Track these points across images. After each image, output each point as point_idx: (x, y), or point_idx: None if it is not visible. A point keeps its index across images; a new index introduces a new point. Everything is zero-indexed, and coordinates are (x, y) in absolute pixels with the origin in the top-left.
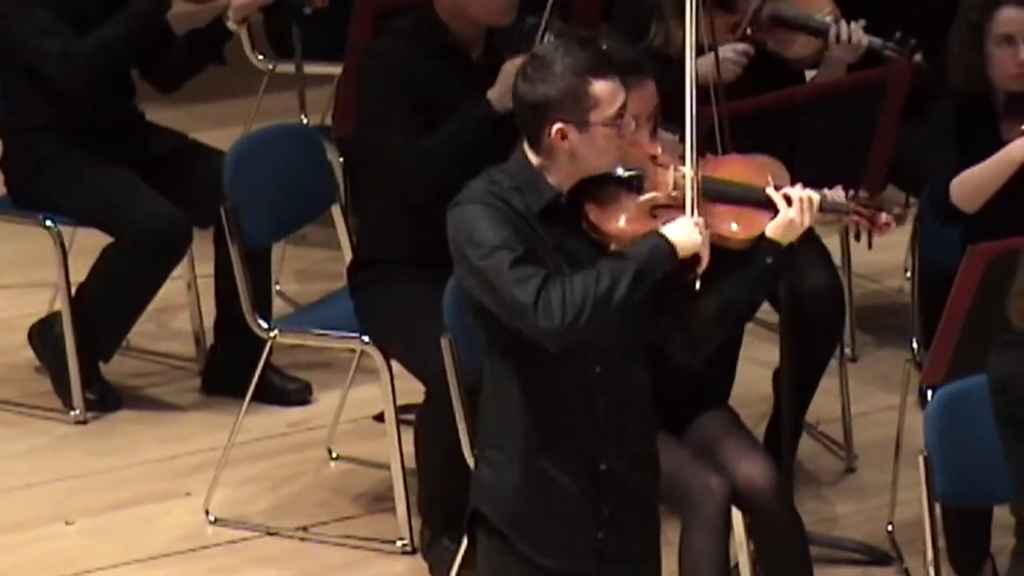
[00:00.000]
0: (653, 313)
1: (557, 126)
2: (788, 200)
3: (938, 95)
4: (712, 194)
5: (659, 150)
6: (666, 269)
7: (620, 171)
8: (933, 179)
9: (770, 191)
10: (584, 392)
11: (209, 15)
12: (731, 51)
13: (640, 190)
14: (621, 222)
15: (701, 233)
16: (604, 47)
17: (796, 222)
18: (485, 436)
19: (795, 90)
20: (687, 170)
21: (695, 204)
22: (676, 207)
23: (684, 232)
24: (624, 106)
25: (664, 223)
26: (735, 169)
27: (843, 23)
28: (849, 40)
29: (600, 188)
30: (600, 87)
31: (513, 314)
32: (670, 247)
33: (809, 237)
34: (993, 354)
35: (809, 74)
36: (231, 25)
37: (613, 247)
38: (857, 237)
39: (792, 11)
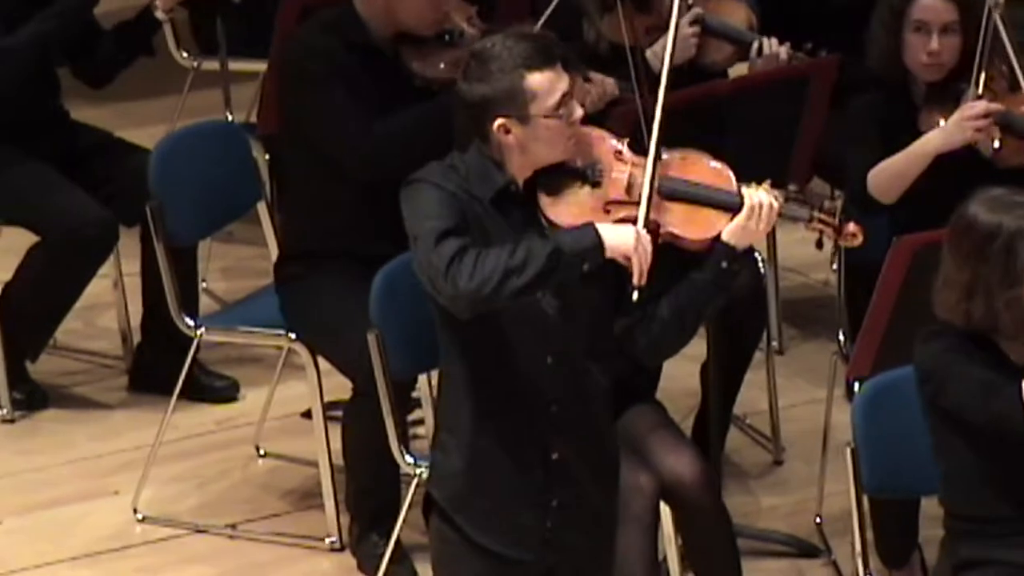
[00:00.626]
0: (616, 314)
1: (499, 122)
2: (752, 205)
3: (857, 88)
4: (672, 194)
5: (621, 146)
6: (590, 262)
7: (578, 163)
8: (855, 173)
9: (724, 197)
10: (535, 380)
11: (136, 8)
12: (687, 28)
13: (597, 184)
14: (572, 214)
15: (637, 243)
16: (545, 39)
17: (752, 227)
18: (439, 419)
19: (721, 83)
20: (648, 169)
21: (649, 203)
22: (631, 204)
23: (617, 234)
24: (567, 94)
25: (617, 220)
26: (698, 169)
27: (764, 38)
28: (769, 52)
29: (556, 179)
30: (535, 80)
31: (428, 280)
32: (598, 242)
33: None
34: (918, 345)
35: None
36: (159, 15)
37: None
38: (819, 245)
39: (716, 19)
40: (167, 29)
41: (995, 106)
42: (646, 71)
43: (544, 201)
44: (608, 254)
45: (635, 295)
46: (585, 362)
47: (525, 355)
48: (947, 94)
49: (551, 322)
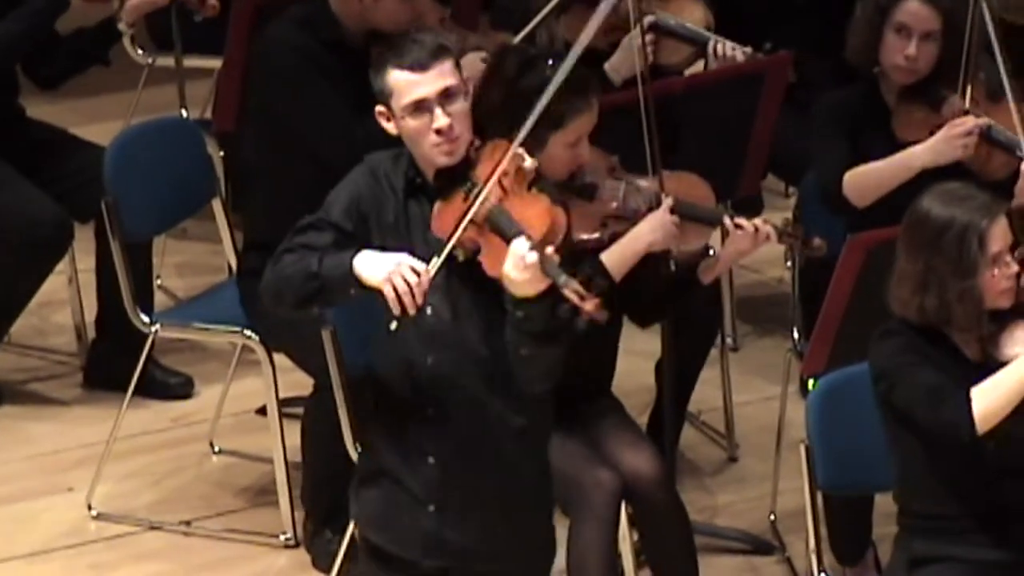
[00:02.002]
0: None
1: (379, 109)
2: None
3: (812, 85)
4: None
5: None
6: (341, 293)
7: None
8: (822, 166)
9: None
10: (415, 381)
11: (98, 15)
12: (638, 36)
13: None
14: (449, 221)
15: (392, 274)
16: (418, 40)
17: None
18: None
19: (674, 82)
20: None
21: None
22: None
23: (371, 265)
24: (424, 100)
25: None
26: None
27: (720, 39)
28: (725, 54)
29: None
30: (395, 77)
31: None
32: (348, 271)
33: None
34: (872, 343)
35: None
36: (122, 26)
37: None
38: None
39: (672, 20)
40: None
41: (982, 121)
42: (604, 82)
43: (436, 206)
44: (364, 283)
45: (392, 324)
46: (473, 367)
47: (408, 355)
48: (922, 95)
49: (431, 323)
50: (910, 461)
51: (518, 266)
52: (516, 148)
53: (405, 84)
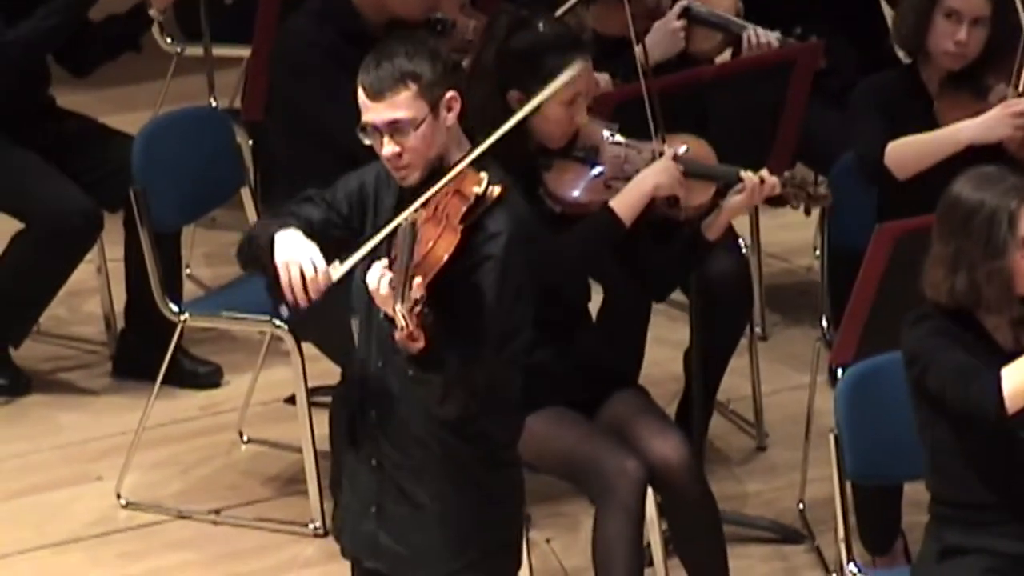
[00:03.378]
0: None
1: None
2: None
3: (839, 71)
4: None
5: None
6: (262, 262)
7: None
8: (864, 140)
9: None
10: (362, 383)
11: (129, 1)
12: (674, 20)
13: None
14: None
15: (290, 262)
16: (384, 62)
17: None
18: None
19: (705, 69)
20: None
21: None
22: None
23: (282, 245)
24: (372, 124)
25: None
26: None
27: (753, 28)
28: (759, 42)
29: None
30: (359, 88)
31: None
32: (268, 245)
33: None
34: (904, 328)
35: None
36: (153, 13)
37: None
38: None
39: (705, 8)
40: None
41: None
42: (629, 69)
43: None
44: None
45: (282, 309)
46: (414, 372)
47: (362, 355)
48: (967, 82)
49: (384, 328)
50: (941, 448)
51: (371, 285)
52: (465, 179)
53: (361, 103)
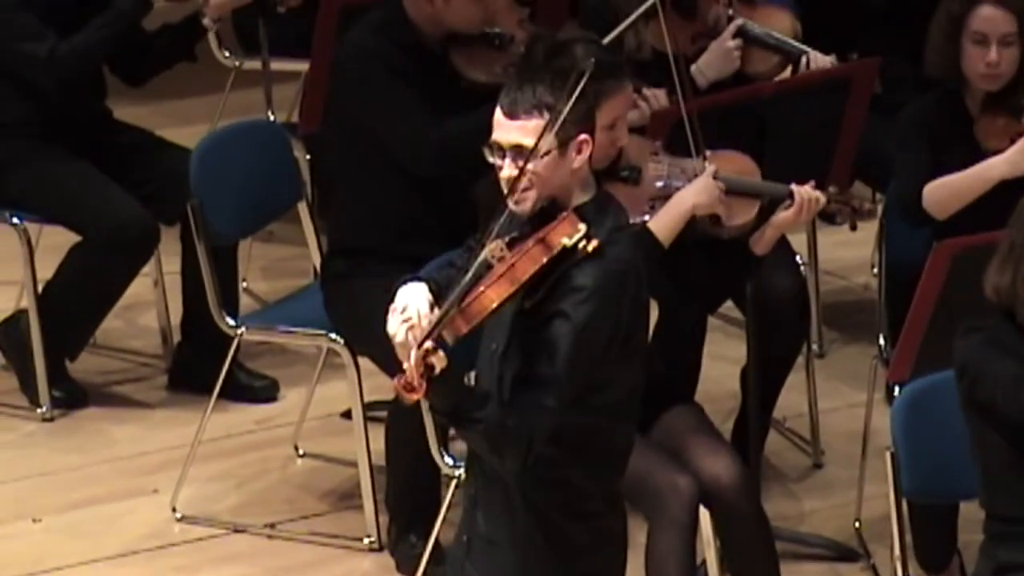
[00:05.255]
0: None
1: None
2: None
3: (897, 89)
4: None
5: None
6: None
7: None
8: (902, 179)
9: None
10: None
11: (183, 11)
12: (729, 39)
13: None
14: None
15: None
16: (527, 88)
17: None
18: None
19: (762, 86)
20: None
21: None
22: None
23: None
24: (497, 143)
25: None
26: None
27: (810, 52)
28: (816, 67)
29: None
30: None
31: None
32: None
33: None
34: (956, 340)
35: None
36: (206, 23)
37: None
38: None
39: (761, 29)
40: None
41: None
42: (692, 86)
43: None
44: None
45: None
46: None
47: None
48: (1005, 104)
49: (487, 354)
50: (993, 461)
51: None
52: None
53: (495, 120)
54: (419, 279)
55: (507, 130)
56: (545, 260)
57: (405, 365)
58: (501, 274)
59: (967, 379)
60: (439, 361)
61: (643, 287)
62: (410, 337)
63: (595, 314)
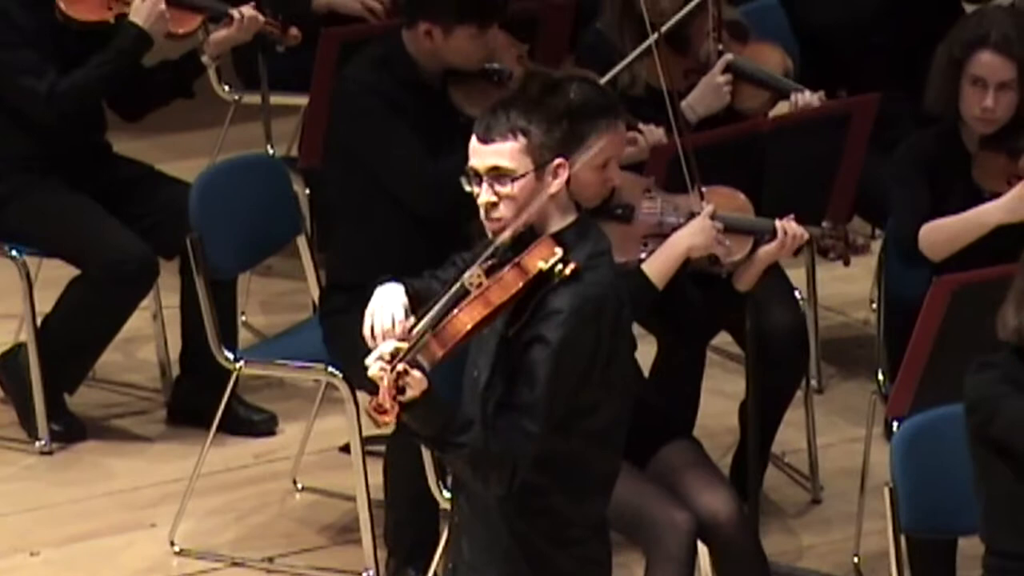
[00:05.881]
0: None
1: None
2: None
3: (895, 126)
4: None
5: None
6: None
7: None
8: (900, 217)
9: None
10: None
11: (182, 48)
12: (719, 75)
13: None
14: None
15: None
16: (500, 112)
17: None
18: None
19: (761, 122)
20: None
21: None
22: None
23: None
24: (474, 169)
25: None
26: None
27: (798, 91)
28: (806, 104)
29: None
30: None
31: None
32: None
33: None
34: (968, 375)
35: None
36: (206, 60)
37: None
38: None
39: (752, 65)
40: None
41: None
42: (684, 121)
43: None
44: None
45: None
46: None
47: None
48: (1002, 143)
49: (470, 381)
50: (998, 497)
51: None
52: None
53: (471, 148)
54: (397, 280)
55: (482, 155)
56: (521, 284)
57: (381, 386)
58: (475, 297)
59: (980, 415)
60: (413, 384)
61: (623, 311)
62: (380, 365)
63: (572, 336)
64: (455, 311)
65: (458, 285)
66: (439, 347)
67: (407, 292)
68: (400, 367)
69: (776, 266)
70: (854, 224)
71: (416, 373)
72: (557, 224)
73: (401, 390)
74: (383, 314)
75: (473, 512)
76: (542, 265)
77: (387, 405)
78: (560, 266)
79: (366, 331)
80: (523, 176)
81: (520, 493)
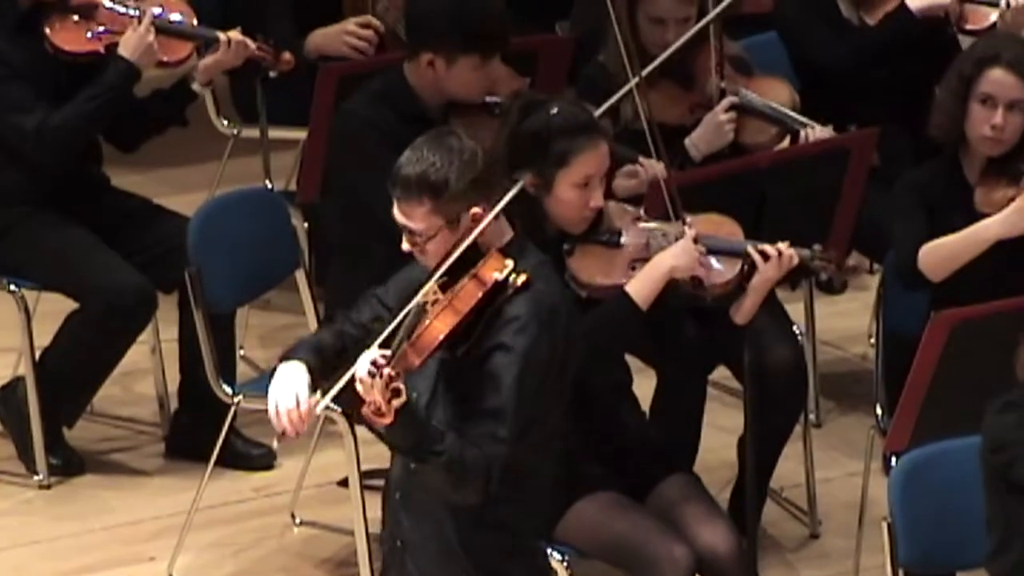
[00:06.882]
0: None
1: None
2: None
3: (896, 161)
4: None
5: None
6: None
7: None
8: (900, 247)
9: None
10: (393, 461)
11: (172, 77)
12: (721, 113)
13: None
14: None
15: (275, 401)
16: (408, 169)
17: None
18: None
19: (759, 156)
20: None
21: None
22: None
23: (276, 380)
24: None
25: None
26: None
27: (808, 127)
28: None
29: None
30: None
31: None
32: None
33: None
34: (991, 414)
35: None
36: (196, 87)
37: None
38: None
39: (759, 100)
40: (207, 96)
41: None
42: (685, 158)
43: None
44: None
45: (274, 441)
46: None
47: None
48: (1005, 171)
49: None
50: (1015, 536)
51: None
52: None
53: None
54: (297, 358)
55: (398, 213)
56: (481, 294)
57: (368, 396)
58: (445, 306)
59: (1004, 456)
60: (403, 388)
61: (573, 319)
62: (371, 369)
63: (534, 341)
64: (427, 321)
65: (414, 303)
66: (415, 356)
67: (309, 368)
68: (388, 371)
69: (775, 301)
70: (853, 259)
71: (400, 381)
72: (498, 242)
73: (395, 392)
74: (286, 395)
75: (423, 532)
76: (497, 276)
77: (384, 408)
78: (513, 275)
79: (271, 411)
80: (435, 235)
81: (475, 508)
